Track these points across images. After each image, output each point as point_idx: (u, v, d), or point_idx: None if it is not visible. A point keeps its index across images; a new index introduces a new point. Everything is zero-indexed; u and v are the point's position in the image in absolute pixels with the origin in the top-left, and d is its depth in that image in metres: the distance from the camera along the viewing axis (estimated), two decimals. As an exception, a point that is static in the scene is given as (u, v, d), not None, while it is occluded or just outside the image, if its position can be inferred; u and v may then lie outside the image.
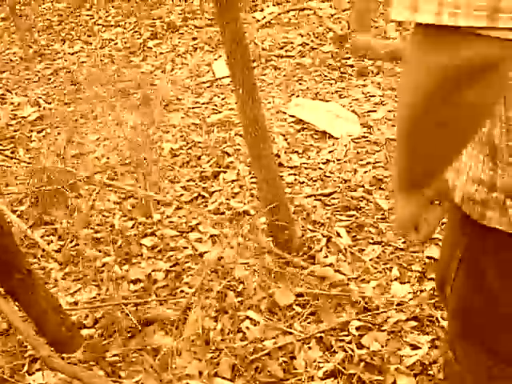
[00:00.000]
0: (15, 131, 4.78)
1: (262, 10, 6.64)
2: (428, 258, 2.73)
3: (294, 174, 3.54)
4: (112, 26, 7.16)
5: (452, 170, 1.06)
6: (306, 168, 3.60)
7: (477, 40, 0.67)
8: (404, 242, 2.86)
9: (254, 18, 6.42)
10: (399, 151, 0.93)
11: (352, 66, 4.90)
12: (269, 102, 4.49)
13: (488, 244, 1.03)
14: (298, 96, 4.53)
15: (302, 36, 5.68)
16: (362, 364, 2.20)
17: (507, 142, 0.90)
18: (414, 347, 2.26)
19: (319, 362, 2.23)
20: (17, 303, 2.27)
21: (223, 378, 2.21)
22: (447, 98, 0.74)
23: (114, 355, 2.36)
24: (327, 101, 4.36)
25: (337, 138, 3.84)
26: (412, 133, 0.86)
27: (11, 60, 6.64)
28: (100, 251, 3.06)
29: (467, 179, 1.02)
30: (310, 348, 2.29)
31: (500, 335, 1.12)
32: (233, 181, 3.55)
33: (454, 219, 1.13)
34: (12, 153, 4.40)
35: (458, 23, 0.66)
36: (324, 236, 2.92)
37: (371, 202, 3.18)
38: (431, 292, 2.50)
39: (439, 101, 0.76)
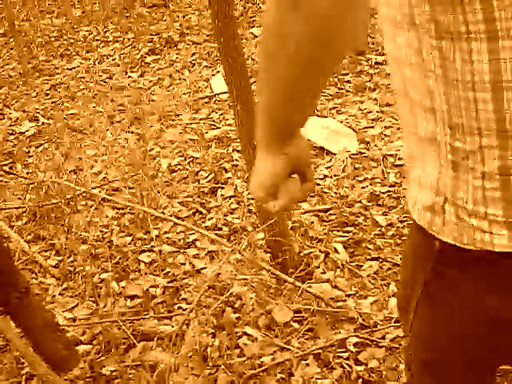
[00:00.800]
0: (13, 146, 4.79)
1: (259, 26, 6.68)
2: (425, 274, 2.72)
3: (292, 190, 3.54)
4: (110, 41, 7.19)
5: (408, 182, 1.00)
6: (303, 184, 3.60)
7: None
8: (401, 258, 2.86)
9: (251, 33, 6.45)
10: (260, 92, 0.92)
11: (349, 81, 4.92)
12: (266, 118, 4.49)
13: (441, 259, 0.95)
14: (295, 112, 4.54)
15: (300, 52, 5.70)
16: (360, 381, 2.20)
17: (450, 141, 0.86)
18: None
19: (317, 379, 2.23)
20: (14, 321, 2.26)
21: (221, 394, 2.21)
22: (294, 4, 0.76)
23: (112, 371, 2.35)
24: (324, 117, 4.38)
25: (334, 154, 3.86)
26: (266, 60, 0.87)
27: (10, 75, 6.66)
28: (98, 267, 3.06)
29: (415, 184, 0.96)
30: (307, 365, 2.29)
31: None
32: (230, 197, 3.55)
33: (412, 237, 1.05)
34: (10, 168, 4.41)
35: None
36: (322, 252, 2.92)
37: (368, 218, 3.19)
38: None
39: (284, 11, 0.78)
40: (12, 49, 7.30)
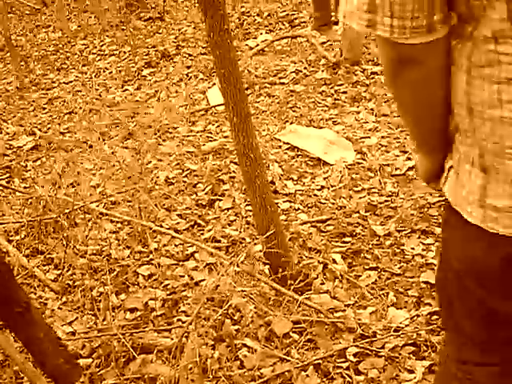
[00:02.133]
0: (11, 161, 4.80)
1: (255, 38, 6.71)
2: (424, 282, 2.74)
3: (290, 201, 3.56)
4: (107, 55, 7.23)
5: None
6: (301, 195, 3.62)
7: (397, 44, 1.01)
8: (400, 268, 2.87)
9: (247, 45, 6.48)
10: (401, 118, 1.24)
11: (345, 92, 4.94)
12: (263, 130, 4.52)
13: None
14: (291, 123, 4.57)
15: (295, 63, 5.73)
16: (360, 391, 2.20)
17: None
18: (412, 373, 2.26)
19: (317, 390, 2.23)
20: (13, 335, 2.26)
21: (221, 407, 2.21)
22: (397, 74, 1.08)
23: (112, 385, 2.35)
24: (321, 127, 4.40)
25: (331, 165, 3.87)
26: (393, 98, 1.19)
27: (7, 89, 6.68)
28: (97, 280, 3.06)
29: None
30: (307, 375, 2.29)
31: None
32: (228, 208, 3.56)
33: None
34: (7, 182, 4.41)
35: (382, 34, 0.99)
36: (320, 263, 2.93)
37: (366, 228, 3.20)
38: (428, 317, 2.51)
39: (393, 75, 1.09)
40: (9, 63, 7.33)
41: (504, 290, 1.14)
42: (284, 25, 6.98)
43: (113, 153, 4.56)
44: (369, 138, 4.16)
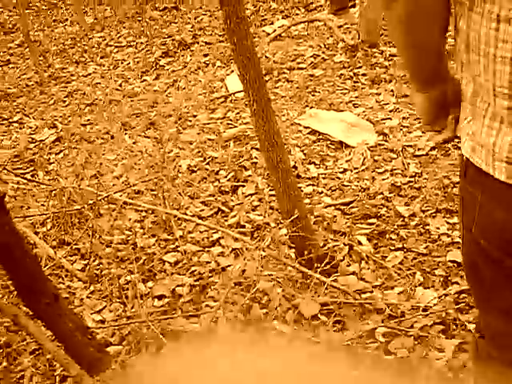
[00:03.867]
0: (34, 154, 4.84)
1: (271, 24, 6.69)
2: (451, 261, 2.73)
3: (313, 185, 3.55)
4: (124, 46, 7.24)
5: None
6: (323, 178, 3.61)
7: None
8: (426, 248, 2.86)
9: (264, 31, 6.46)
10: (398, 53, 1.29)
11: (365, 74, 4.91)
12: (283, 115, 4.51)
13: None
14: (311, 107, 4.55)
15: (313, 47, 5.70)
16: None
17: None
18: (442, 351, 2.25)
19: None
20: (45, 325, 2.29)
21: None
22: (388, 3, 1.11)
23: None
24: (341, 110, 4.38)
25: (353, 147, 3.86)
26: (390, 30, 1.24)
27: (27, 85, 6.73)
28: (123, 269, 3.09)
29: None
30: (337, 356, 2.30)
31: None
32: (251, 194, 3.56)
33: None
34: (32, 176, 4.46)
35: None
36: (346, 245, 2.93)
37: (391, 209, 3.19)
38: (456, 296, 2.50)
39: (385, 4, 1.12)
40: (28, 58, 7.37)
41: None
42: (300, 10, 6.94)
43: (134, 143, 4.58)
44: (390, 119, 4.14)
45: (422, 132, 3.86)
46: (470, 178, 1.16)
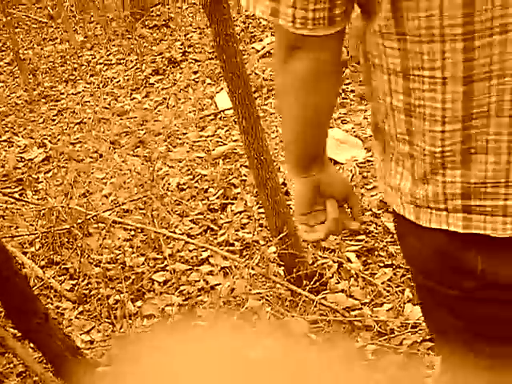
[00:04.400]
0: (22, 173, 4.83)
1: (260, 41, 6.72)
2: (440, 278, 2.72)
3: (302, 202, 3.55)
4: (113, 64, 7.25)
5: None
6: (312, 195, 3.61)
7: (283, 31, 0.97)
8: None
9: (253, 48, 6.49)
10: (282, 129, 1.23)
11: (353, 91, 4.93)
12: (272, 132, 4.52)
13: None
14: (301, 124, 4.55)
15: (302, 64, 5.72)
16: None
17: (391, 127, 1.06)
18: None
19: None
20: (35, 346, 2.28)
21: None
22: (287, 60, 1.01)
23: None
24: (330, 127, 4.38)
25: (342, 164, 3.86)
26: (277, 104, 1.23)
27: (16, 103, 6.72)
28: (112, 288, 3.07)
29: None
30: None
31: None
32: (241, 212, 3.56)
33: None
34: (20, 195, 4.44)
35: (284, 24, 0.95)
36: (335, 262, 2.93)
37: (379, 226, 3.19)
38: (445, 313, 2.50)
39: (280, 65, 1.03)
40: (17, 77, 7.37)
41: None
42: (289, 26, 6.97)
43: (124, 161, 4.58)
44: (378, 135, 4.15)
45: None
46: (392, 213, 1.18)
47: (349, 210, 1.23)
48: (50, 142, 5.37)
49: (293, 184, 1.19)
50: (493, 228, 1.00)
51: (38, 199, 4.28)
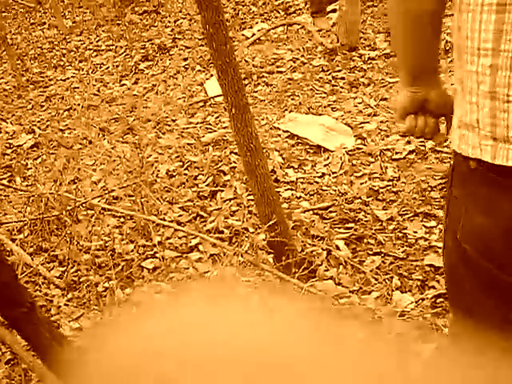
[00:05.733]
0: (11, 160, 4.80)
1: (251, 27, 6.69)
2: (428, 265, 2.74)
3: (291, 189, 3.56)
4: (103, 50, 7.21)
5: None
6: (302, 182, 3.62)
7: None
8: (404, 252, 2.87)
9: (243, 35, 6.46)
10: (394, 47, 1.30)
11: (343, 78, 4.93)
12: (262, 119, 4.51)
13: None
14: (290, 111, 4.56)
15: (292, 51, 5.71)
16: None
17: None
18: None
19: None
20: (20, 335, 2.27)
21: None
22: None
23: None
24: (320, 114, 4.39)
25: (331, 151, 3.86)
26: (392, 27, 1.27)
27: (4, 89, 6.67)
28: (101, 275, 3.07)
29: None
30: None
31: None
32: (230, 199, 3.56)
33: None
34: (9, 181, 4.42)
35: None
36: (324, 250, 2.93)
37: (369, 214, 3.20)
38: (433, 300, 2.52)
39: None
40: (5, 62, 7.31)
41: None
42: (279, 13, 6.95)
43: (113, 148, 4.56)
44: (368, 123, 4.16)
45: (400, 135, 3.88)
46: (456, 181, 1.18)
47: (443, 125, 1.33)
48: (38, 128, 5.34)
49: (399, 92, 1.30)
50: None
51: (26, 186, 4.25)
